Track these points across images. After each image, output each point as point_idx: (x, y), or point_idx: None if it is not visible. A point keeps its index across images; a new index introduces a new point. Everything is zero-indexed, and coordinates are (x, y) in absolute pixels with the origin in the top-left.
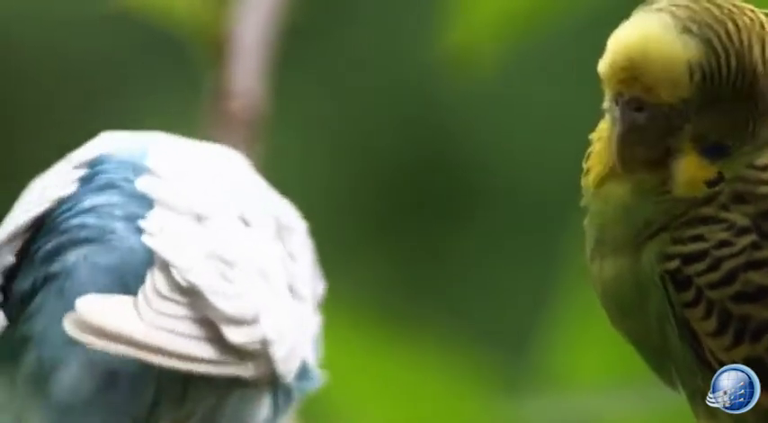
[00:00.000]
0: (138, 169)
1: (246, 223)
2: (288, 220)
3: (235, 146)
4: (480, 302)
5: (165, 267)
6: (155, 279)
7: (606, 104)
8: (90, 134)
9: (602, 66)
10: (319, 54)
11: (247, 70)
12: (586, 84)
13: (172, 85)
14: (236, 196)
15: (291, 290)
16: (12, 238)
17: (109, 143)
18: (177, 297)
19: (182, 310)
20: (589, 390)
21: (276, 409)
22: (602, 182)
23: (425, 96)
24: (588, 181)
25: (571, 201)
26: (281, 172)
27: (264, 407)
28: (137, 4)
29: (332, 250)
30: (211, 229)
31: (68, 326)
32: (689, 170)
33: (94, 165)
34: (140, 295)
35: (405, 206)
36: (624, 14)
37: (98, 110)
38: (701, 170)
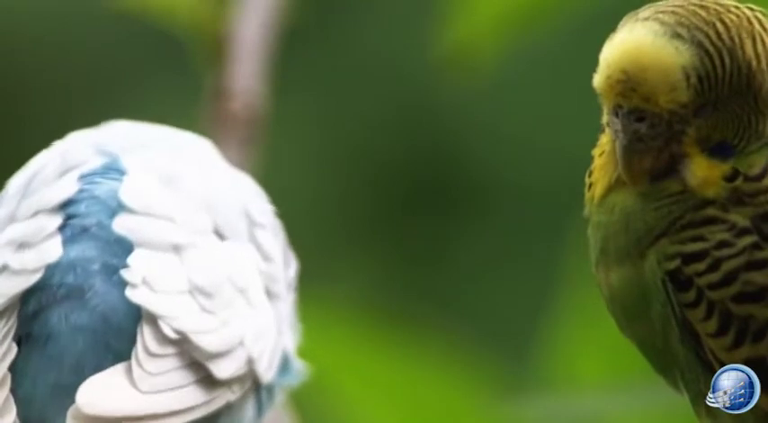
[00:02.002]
0: (111, 209)
1: (221, 235)
2: (256, 214)
3: (234, 145)
4: (480, 303)
5: (153, 321)
6: (144, 338)
7: (605, 118)
8: None
9: (598, 81)
10: (319, 54)
11: (247, 70)
12: (586, 81)
13: (172, 85)
14: (210, 201)
15: (268, 293)
16: (6, 309)
17: (76, 157)
18: (168, 350)
19: (172, 362)
20: (589, 390)
21: (260, 408)
22: (606, 194)
23: (425, 96)
24: (592, 194)
25: (572, 202)
26: (280, 171)
27: (249, 409)
28: (137, 3)
29: (330, 250)
30: (189, 257)
31: (72, 420)
32: (700, 171)
33: (67, 206)
34: (133, 360)
35: (405, 206)
36: (624, 12)
37: (98, 109)
38: (713, 169)
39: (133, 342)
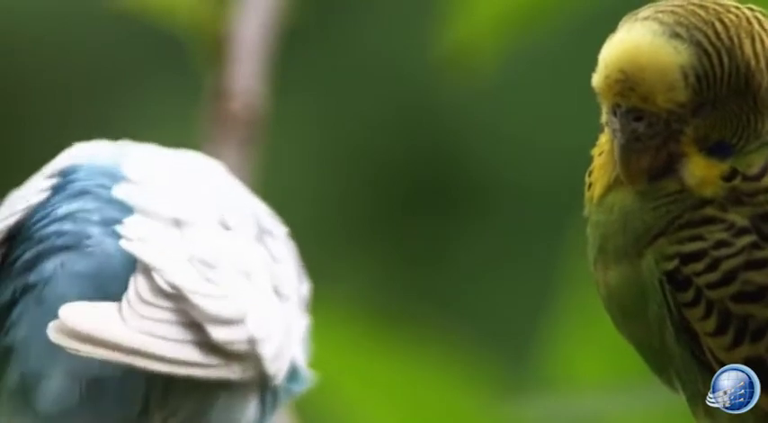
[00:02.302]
0: (114, 177)
1: (226, 227)
2: (268, 224)
3: (234, 145)
4: (480, 303)
5: (147, 272)
6: (137, 284)
7: (604, 118)
8: (90, 133)
9: (597, 80)
10: (319, 54)
11: (247, 70)
12: (586, 81)
13: (172, 85)
14: (215, 202)
15: (276, 291)
16: None
17: (80, 153)
18: (161, 302)
19: (166, 315)
20: (589, 390)
21: (263, 411)
22: (605, 193)
23: (425, 96)
24: (591, 194)
25: (572, 201)
26: (279, 172)
27: (251, 408)
28: (137, 3)
29: (330, 250)
30: (191, 233)
31: (52, 333)
32: (698, 171)
33: (67, 174)
34: (124, 301)
35: (405, 207)
36: (624, 13)
37: (98, 109)
38: (711, 169)
39: None
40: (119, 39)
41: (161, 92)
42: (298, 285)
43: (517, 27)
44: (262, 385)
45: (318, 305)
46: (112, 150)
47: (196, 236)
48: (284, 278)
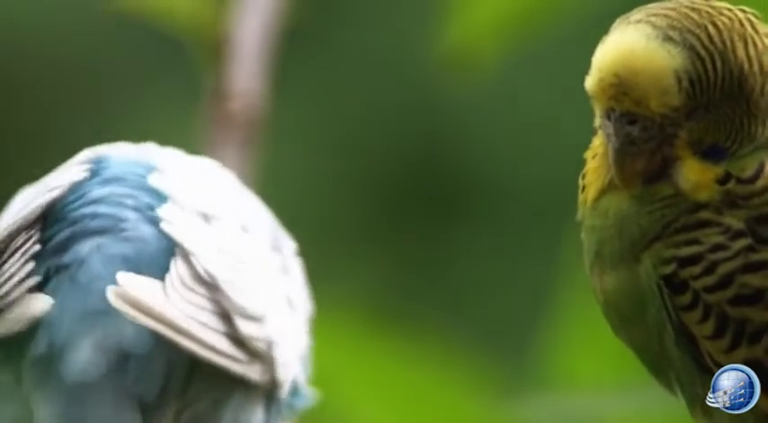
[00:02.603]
0: (146, 167)
1: (246, 231)
2: (281, 237)
3: (234, 146)
4: (480, 303)
5: (186, 257)
6: (178, 268)
7: (597, 121)
8: (90, 133)
9: (590, 84)
10: (319, 54)
11: (247, 71)
12: (584, 85)
13: (172, 86)
14: (236, 206)
15: (288, 300)
16: (27, 226)
17: (105, 149)
18: (198, 288)
19: (202, 301)
20: (589, 390)
21: (267, 420)
22: (599, 197)
23: (425, 97)
24: (585, 197)
25: (571, 202)
26: (280, 172)
27: (258, 414)
28: (137, 4)
29: (330, 251)
30: (218, 228)
31: (112, 297)
32: (692, 175)
33: (99, 161)
34: (168, 281)
35: (404, 207)
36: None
37: (98, 110)
38: (705, 172)
39: (164, 277)
40: (119, 39)
41: (161, 92)
42: (305, 302)
43: (517, 28)
44: (268, 394)
45: (318, 305)
46: (137, 149)
47: (223, 231)
48: (295, 291)
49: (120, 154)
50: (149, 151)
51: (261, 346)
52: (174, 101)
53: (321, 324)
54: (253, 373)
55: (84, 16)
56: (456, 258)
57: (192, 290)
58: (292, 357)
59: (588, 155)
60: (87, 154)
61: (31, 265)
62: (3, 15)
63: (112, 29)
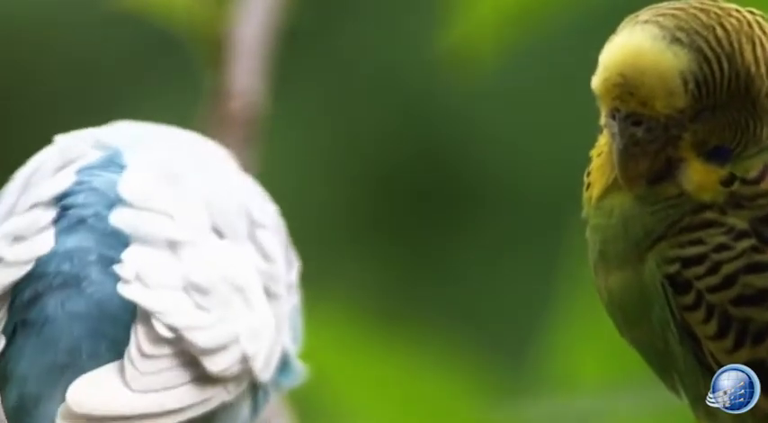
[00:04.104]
0: (109, 200)
1: (220, 234)
2: (258, 214)
3: (234, 145)
4: (480, 304)
5: (147, 320)
6: (138, 337)
7: (603, 120)
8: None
9: (596, 83)
10: (319, 54)
11: (246, 70)
12: (587, 83)
13: (171, 85)
14: (210, 199)
15: (267, 292)
16: None
17: (78, 155)
18: (161, 350)
19: (166, 363)
20: (589, 391)
21: (255, 408)
22: (603, 195)
23: (425, 97)
24: (590, 195)
25: (572, 202)
26: (279, 172)
27: (245, 408)
28: (137, 4)
29: (330, 251)
30: (186, 254)
31: (62, 419)
32: (697, 176)
33: (64, 197)
34: (126, 359)
35: (404, 207)
36: (624, 14)
37: (97, 109)
38: (710, 174)
39: (128, 330)
40: (119, 38)
41: (161, 91)
42: (287, 273)
43: (517, 26)
44: (253, 387)
45: (319, 306)
46: (108, 152)
47: (191, 256)
48: (275, 276)
49: (86, 179)
50: (122, 145)
51: (234, 370)
52: (173, 100)
53: (321, 324)
54: (228, 394)
55: (85, 15)
56: (456, 258)
57: (152, 356)
58: (274, 351)
59: (594, 153)
60: (61, 157)
61: None
62: (2, 16)
63: (113, 28)
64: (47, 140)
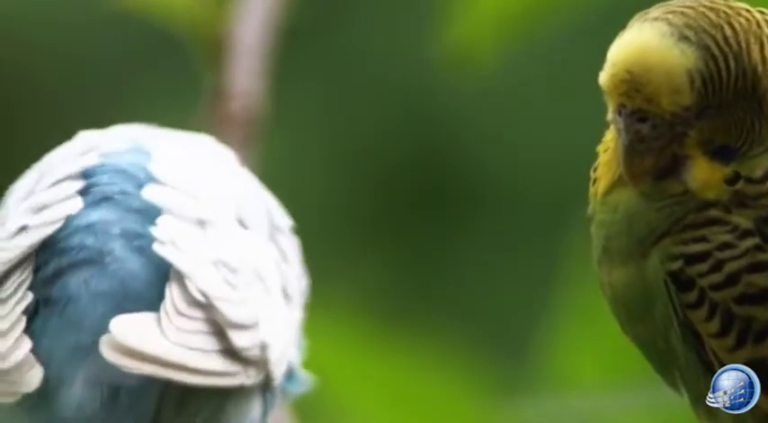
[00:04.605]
0: (137, 179)
1: (244, 226)
2: (278, 219)
3: (233, 146)
4: (480, 304)
5: (181, 280)
6: (173, 294)
7: (610, 116)
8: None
9: (603, 79)
10: (318, 54)
11: (246, 70)
12: (587, 82)
13: (171, 85)
14: (233, 197)
15: (284, 292)
16: (21, 261)
17: (102, 145)
18: (194, 312)
19: (198, 325)
20: (589, 391)
21: (265, 411)
22: (609, 191)
23: (425, 97)
24: (596, 190)
25: (572, 201)
26: (279, 172)
27: (256, 408)
28: (137, 4)
29: (330, 252)
30: (214, 234)
31: (105, 349)
32: (702, 174)
33: (89, 176)
34: (162, 312)
35: (404, 207)
36: (625, 13)
37: (97, 109)
38: (714, 172)
39: (152, 308)
40: (118, 39)
41: (160, 92)
42: (299, 282)
43: (518, 25)
44: (264, 386)
45: (320, 306)
46: (132, 143)
47: (219, 236)
48: (291, 278)
49: (113, 160)
50: (144, 140)
51: (254, 353)
52: (173, 100)
53: (320, 324)
54: (247, 379)
55: (85, 15)
56: (456, 258)
57: (186, 316)
58: (286, 348)
59: (600, 148)
60: (83, 146)
61: (22, 307)
62: (3, 14)
63: (113, 28)
64: (47, 140)
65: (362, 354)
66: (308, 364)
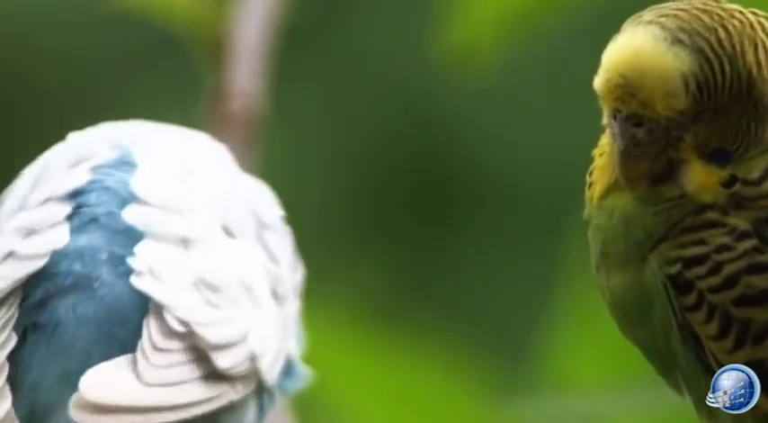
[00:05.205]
0: (121, 199)
1: (230, 233)
2: (265, 215)
3: (233, 146)
4: (480, 304)
5: (159, 314)
6: (150, 330)
7: (605, 120)
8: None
9: (598, 83)
10: (318, 54)
11: (246, 70)
12: (587, 82)
13: (171, 85)
14: (220, 198)
15: (274, 294)
16: (8, 295)
17: (92, 153)
18: (173, 344)
19: (175, 357)
20: (589, 391)
21: (261, 410)
22: (605, 195)
23: (425, 97)
24: (592, 194)
25: (571, 202)
26: (279, 172)
27: (251, 411)
28: (137, 4)
29: (330, 252)
30: (197, 252)
31: (74, 410)
32: (698, 178)
33: (77, 194)
34: (138, 352)
35: (404, 207)
36: (624, 14)
37: (96, 109)
38: (711, 175)
39: (139, 333)
40: (118, 39)
41: (160, 92)
42: (292, 277)
43: (517, 26)
44: (259, 389)
45: (320, 306)
46: (120, 152)
47: (202, 253)
48: (281, 277)
49: (101, 173)
50: (133, 145)
51: (241, 369)
52: (173, 100)
53: (320, 324)
54: (236, 395)
55: (85, 15)
56: (455, 259)
57: (164, 350)
58: (280, 352)
59: (596, 152)
60: (75, 154)
61: (5, 353)
62: (4, 15)
63: (113, 28)
64: (47, 140)
65: (362, 353)
66: (308, 364)
